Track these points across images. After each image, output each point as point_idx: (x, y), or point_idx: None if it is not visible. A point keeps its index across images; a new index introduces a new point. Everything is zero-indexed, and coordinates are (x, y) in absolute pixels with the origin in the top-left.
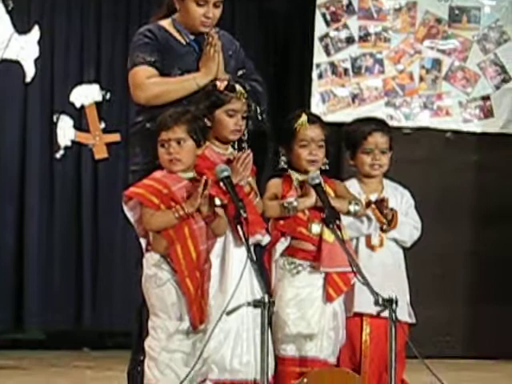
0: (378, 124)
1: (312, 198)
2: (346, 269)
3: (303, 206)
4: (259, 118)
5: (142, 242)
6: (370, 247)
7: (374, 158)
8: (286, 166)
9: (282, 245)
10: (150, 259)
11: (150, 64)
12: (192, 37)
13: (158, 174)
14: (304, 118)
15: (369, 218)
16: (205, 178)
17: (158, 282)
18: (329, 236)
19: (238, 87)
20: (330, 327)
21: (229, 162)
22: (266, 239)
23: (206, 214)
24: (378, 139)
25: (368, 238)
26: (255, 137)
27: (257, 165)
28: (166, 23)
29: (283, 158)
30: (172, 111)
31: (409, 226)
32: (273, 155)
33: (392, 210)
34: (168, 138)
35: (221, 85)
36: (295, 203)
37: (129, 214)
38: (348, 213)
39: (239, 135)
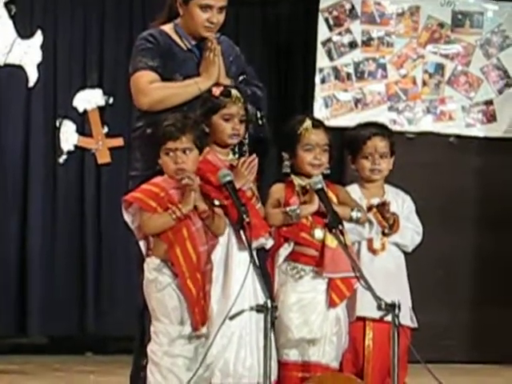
0: (378, 128)
1: (315, 204)
2: (349, 274)
3: (306, 213)
4: (259, 123)
5: (143, 246)
6: (372, 251)
7: (373, 163)
8: (289, 171)
9: (285, 250)
10: (151, 264)
11: (151, 69)
12: (193, 42)
13: (157, 179)
14: (308, 122)
15: (370, 222)
16: (189, 176)
17: (159, 287)
18: (331, 241)
19: (233, 92)
20: (333, 332)
21: (231, 167)
22: (269, 242)
23: (203, 210)
24: (378, 143)
25: (370, 242)
26: (255, 142)
27: (257, 170)
28: (167, 28)
29: (286, 163)
30: (175, 119)
31: (410, 231)
32: (277, 160)
33: (394, 214)
34: (175, 147)
35: (216, 91)
36: (298, 211)
37: (129, 220)
38: (350, 219)
39: (238, 139)
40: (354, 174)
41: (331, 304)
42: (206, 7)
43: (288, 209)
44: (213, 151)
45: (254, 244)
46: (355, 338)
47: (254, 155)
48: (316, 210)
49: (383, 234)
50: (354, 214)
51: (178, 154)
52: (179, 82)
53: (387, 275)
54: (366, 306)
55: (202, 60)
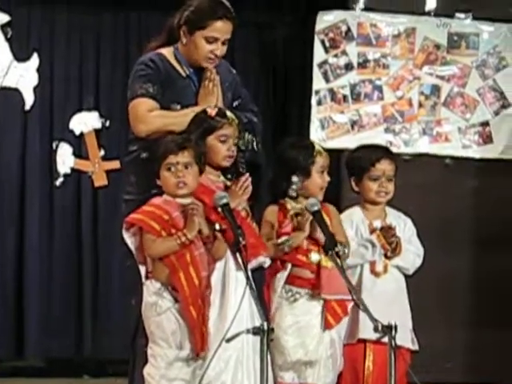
0: (386, 151)
1: (305, 231)
2: (345, 296)
3: (298, 242)
4: (255, 149)
5: (142, 269)
6: (375, 274)
7: (380, 185)
8: (295, 195)
9: (283, 274)
10: (151, 287)
11: (151, 96)
12: (191, 69)
13: (156, 200)
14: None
15: (373, 245)
16: (194, 202)
17: (158, 310)
18: (326, 262)
19: (228, 113)
20: (328, 355)
21: (225, 188)
22: (267, 261)
23: (207, 235)
24: (386, 166)
25: (373, 264)
26: (251, 168)
27: (251, 194)
28: (166, 52)
29: (294, 187)
30: (175, 137)
31: (412, 254)
32: (269, 184)
33: (396, 237)
34: (176, 161)
35: (212, 111)
36: (290, 241)
37: (129, 241)
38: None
39: (232, 161)
40: (351, 196)
41: (327, 326)
42: (211, 39)
43: (280, 241)
44: (204, 173)
45: (254, 263)
46: (356, 360)
47: (247, 175)
48: (306, 235)
49: (385, 256)
50: (341, 249)
51: (179, 167)
52: (178, 111)
53: (389, 298)
54: (367, 328)
55: (201, 89)
